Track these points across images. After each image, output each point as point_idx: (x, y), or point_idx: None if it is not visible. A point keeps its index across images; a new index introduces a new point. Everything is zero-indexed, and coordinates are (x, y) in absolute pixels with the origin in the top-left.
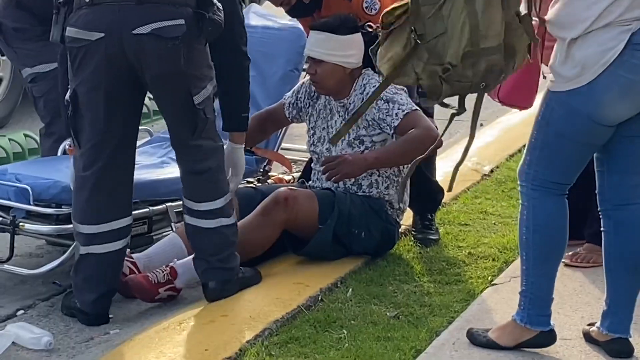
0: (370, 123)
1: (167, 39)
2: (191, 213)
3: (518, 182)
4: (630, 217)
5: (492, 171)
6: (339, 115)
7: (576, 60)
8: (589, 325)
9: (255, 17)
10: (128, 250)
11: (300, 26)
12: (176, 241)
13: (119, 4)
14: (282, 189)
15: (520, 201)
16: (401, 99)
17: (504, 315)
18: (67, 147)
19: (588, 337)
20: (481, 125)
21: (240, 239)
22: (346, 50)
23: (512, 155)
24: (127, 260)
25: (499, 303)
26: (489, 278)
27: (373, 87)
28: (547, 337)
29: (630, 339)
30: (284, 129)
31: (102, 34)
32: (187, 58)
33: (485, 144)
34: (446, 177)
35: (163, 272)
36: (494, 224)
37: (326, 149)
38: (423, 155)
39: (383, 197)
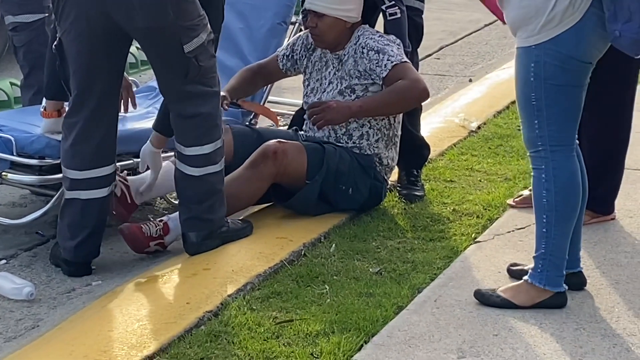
0: (362, 73)
1: None
2: (180, 158)
3: (530, 152)
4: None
5: (479, 128)
6: (333, 67)
7: (567, 0)
8: (512, 265)
9: None
10: (125, 172)
11: None
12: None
13: None
14: (272, 142)
15: (533, 166)
16: (392, 50)
17: (487, 272)
18: (41, 110)
19: (514, 273)
20: (470, 81)
21: (228, 192)
22: (347, 4)
23: (499, 112)
24: (121, 182)
25: (482, 261)
26: (473, 235)
27: (367, 38)
28: (562, 298)
29: (582, 271)
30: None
31: None
32: (176, 10)
33: (472, 100)
34: (433, 132)
35: (156, 226)
36: (480, 180)
37: (317, 99)
38: None
39: (373, 150)
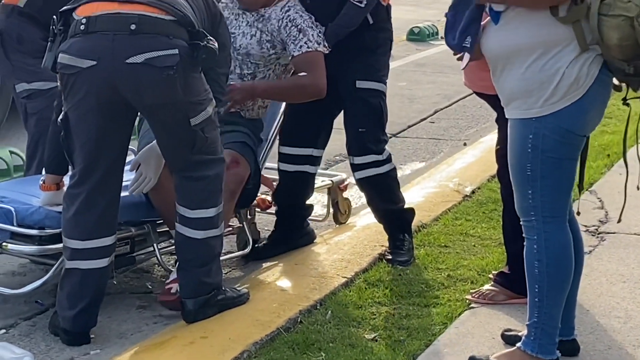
0: (278, 40)
1: (161, 69)
2: (183, 221)
3: (522, 220)
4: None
5: (473, 192)
6: (246, 20)
7: (572, 77)
8: (506, 330)
9: None
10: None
11: None
12: None
13: (114, 33)
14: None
15: (525, 235)
16: (312, 34)
17: (481, 339)
18: (40, 182)
19: (508, 338)
20: (464, 145)
21: None
22: None
23: (493, 176)
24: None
25: (477, 327)
26: (467, 301)
27: (295, 12)
28: None
29: (576, 338)
30: (267, 147)
31: (94, 62)
32: (184, 87)
33: (467, 164)
34: (428, 197)
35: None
36: (474, 245)
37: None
38: None
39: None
